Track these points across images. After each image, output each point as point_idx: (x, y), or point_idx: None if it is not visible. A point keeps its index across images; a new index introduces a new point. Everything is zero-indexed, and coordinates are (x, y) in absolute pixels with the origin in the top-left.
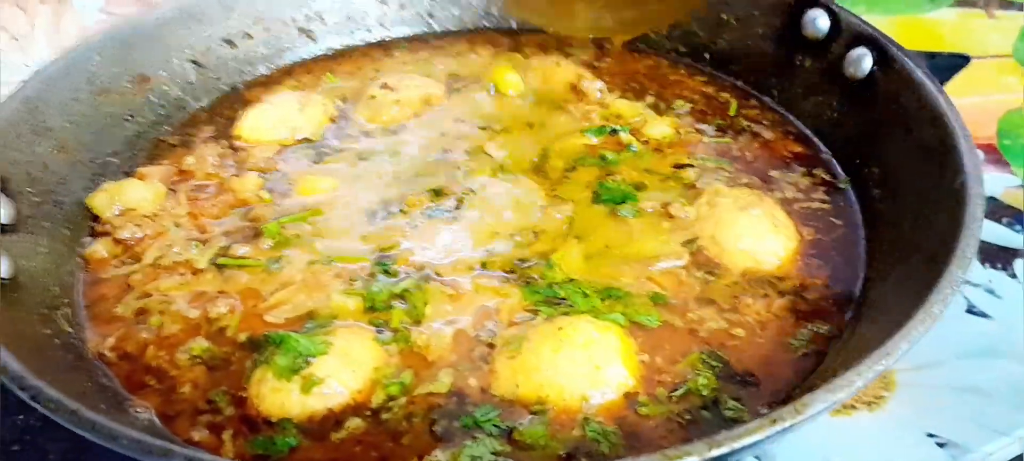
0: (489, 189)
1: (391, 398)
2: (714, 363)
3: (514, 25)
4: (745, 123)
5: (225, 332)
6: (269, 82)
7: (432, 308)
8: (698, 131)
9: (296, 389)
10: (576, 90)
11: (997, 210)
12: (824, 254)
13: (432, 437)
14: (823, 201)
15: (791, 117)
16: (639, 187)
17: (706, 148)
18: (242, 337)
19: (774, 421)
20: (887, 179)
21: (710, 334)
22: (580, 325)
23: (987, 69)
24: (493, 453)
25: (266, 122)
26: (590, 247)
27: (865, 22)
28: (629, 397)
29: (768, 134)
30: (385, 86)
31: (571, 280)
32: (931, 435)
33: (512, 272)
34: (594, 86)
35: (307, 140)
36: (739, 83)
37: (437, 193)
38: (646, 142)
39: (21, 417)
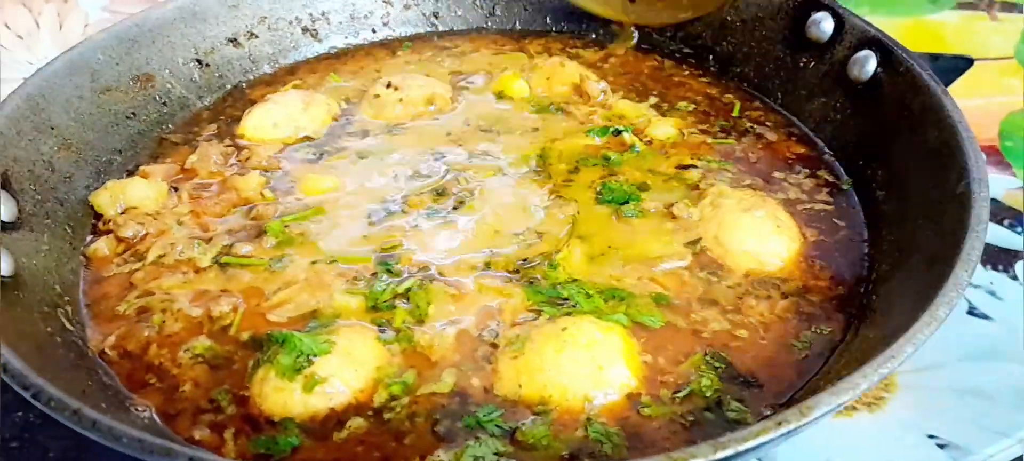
0: (492, 189)
1: (393, 398)
2: (717, 364)
3: (518, 25)
4: (748, 124)
5: (227, 331)
6: (273, 81)
7: (435, 308)
8: (702, 132)
9: (298, 388)
10: (580, 91)
11: (998, 212)
12: (827, 256)
13: (434, 437)
14: (826, 203)
15: (795, 119)
16: (642, 188)
17: (709, 149)
18: (244, 336)
19: (779, 423)
20: (891, 181)
21: (713, 335)
22: (583, 325)
23: (989, 71)
24: (496, 453)
25: (270, 121)
26: (593, 248)
27: (870, 24)
28: (632, 398)
29: (771, 135)
30: (389, 85)
31: (574, 280)
32: (932, 437)
33: (515, 272)
34: (598, 87)
35: (310, 139)
36: (743, 85)
37: (440, 193)
38: (649, 143)
39: (20, 414)
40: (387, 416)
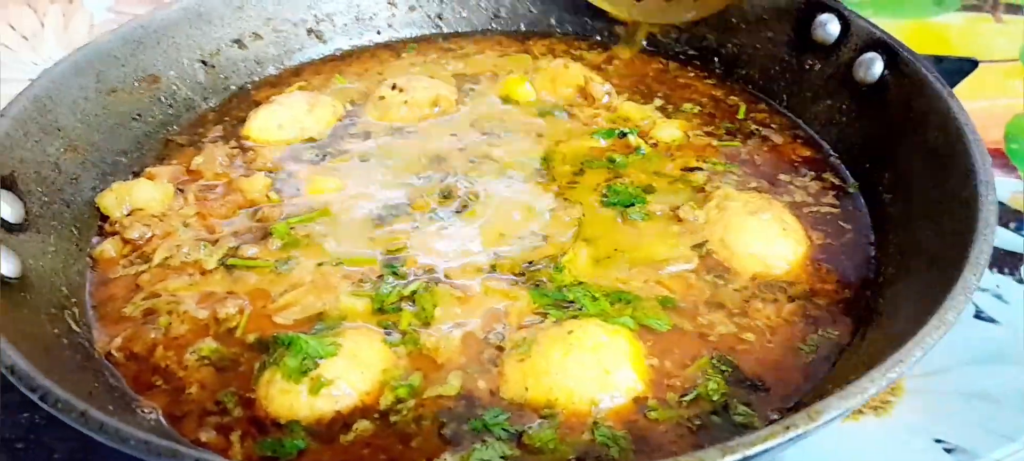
0: (497, 192)
1: (400, 400)
2: (724, 368)
3: (522, 27)
4: (754, 127)
5: (234, 333)
6: (278, 82)
7: (441, 310)
8: (707, 134)
9: (305, 391)
10: (584, 93)
11: (1004, 215)
12: (834, 259)
13: (441, 440)
14: (832, 206)
15: (800, 121)
16: (648, 190)
17: (715, 151)
18: (251, 338)
19: (788, 428)
20: (897, 184)
21: (720, 338)
22: (589, 328)
23: (994, 73)
24: (502, 457)
25: (275, 122)
26: (599, 250)
27: (876, 26)
28: (639, 401)
29: (777, 138)
30: (394, 87)
31: (580, 283)
32: (938, 441)
33: (521, 275)
34: (602, 89)
35: (315, 141)
36: (748, 87)
37: (445, 195)
38: (655, 145)
39: (26, 415)
40: (393, 419)
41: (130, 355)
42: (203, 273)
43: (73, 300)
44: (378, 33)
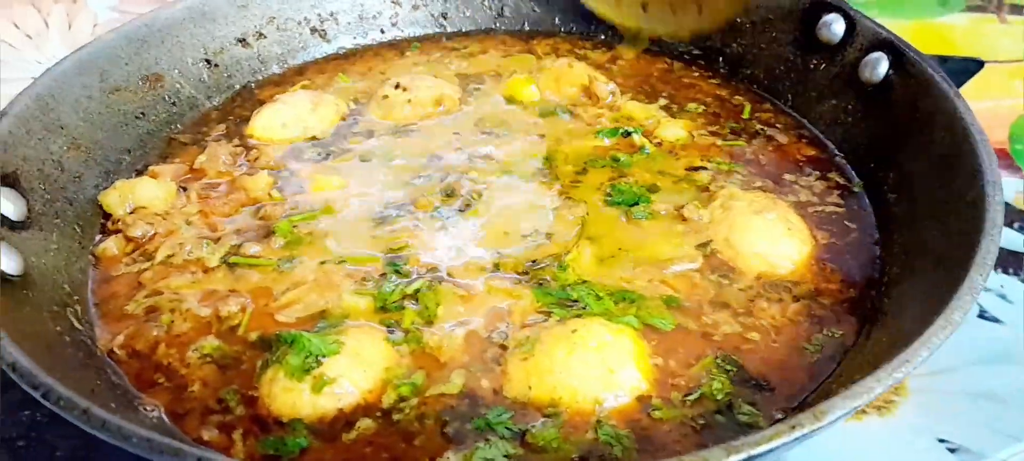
0: (500, 191)
1: (402, 399)
2: (728, 367)
3: (526, 26)
4: (759, 126)
5: (236, 331)
6: (281, 81)
7: (444, 309)
8: (711, 134)
9: (307, 389)
10: (588, 92)
11: (1008, 215)
12: (839, 258)
13: (444, 439)
14: (837, 205)
15: (805, 121)
16: (652, 189)
17: (719, 151)
18: (253, 336)
19: (793, 427)
20: (903, 184)
21: (724, 338)
22: (593, 327)
23: (998, 74)
24: (505, 456)
25: (278, 121)
26: (603, 249)
27: (881, 26)
28: (642, 401)
29: (782, 137)
30: (398, 86)
31: (584, 282)
32: (942, 440)
33: (524, 274)
34: (606, 88)
35: (319, 139)
36: (753, 86)
37: (449, 194)
38: (659, 144)
39: (28, 413)
40: (396, 417)
41: (132, 353)
42: (205, 271)
43: (75, 298)
44: (382, 32)
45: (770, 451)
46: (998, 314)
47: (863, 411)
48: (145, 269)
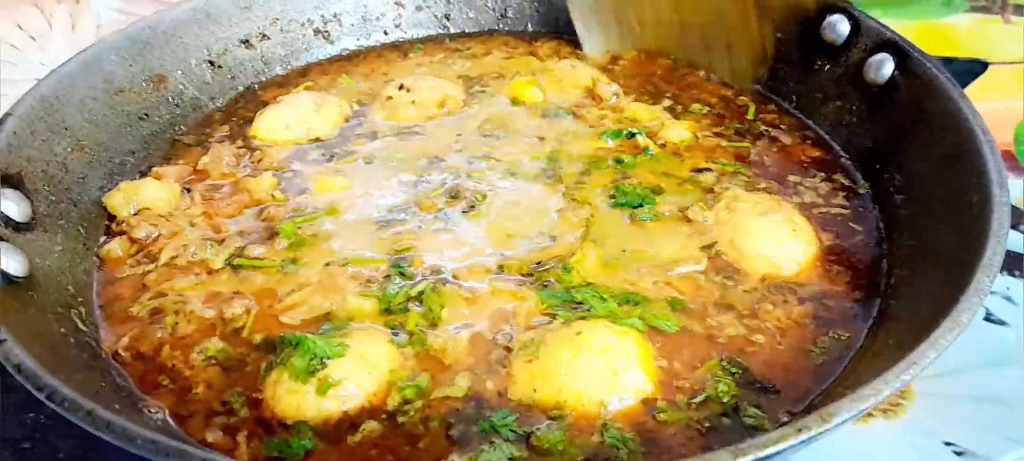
0: (504, 192)
1: (407, 401)
2: (734, 370)
3: (529, 27)
4: (763, 127)
5: (240, 333)
6: (285, 83)
7: (448, 311)
8: (716, 135)
9: (312, 391)
10: (591, 93)
11: (1013, 217)
12: (844, 260)
13: (449, 441)
14: (842, 207)
15: (810, 122)
16: (656, 191)
17: (724, 152)
18: (257, 338)
19: (800, 430)
20: (908, 185)
21: (729, 340)
22: (598, 330)
23: (1003, 75)
24: (510, 458)
25: (282, 122)
26: (607, 251)
27: (886, 27)
28: (648, 403)
29: (786, 138)
30: (402, 87)
31: (588, 284)
32: (949, 444)
33: (529, 275)
34: (609, 89)
35: (323, 141)
36: (757, 87)
37: (453, 196)
38: (663, 145)
39: (31, 415)
40: (401, 420)
41: (137, 354)
42: (210, 273)
43: (80, 299)
44: (385, 33)
45: (777, 454)
46: (1004, 317)
47: (869, 414)
48: (149, 271)
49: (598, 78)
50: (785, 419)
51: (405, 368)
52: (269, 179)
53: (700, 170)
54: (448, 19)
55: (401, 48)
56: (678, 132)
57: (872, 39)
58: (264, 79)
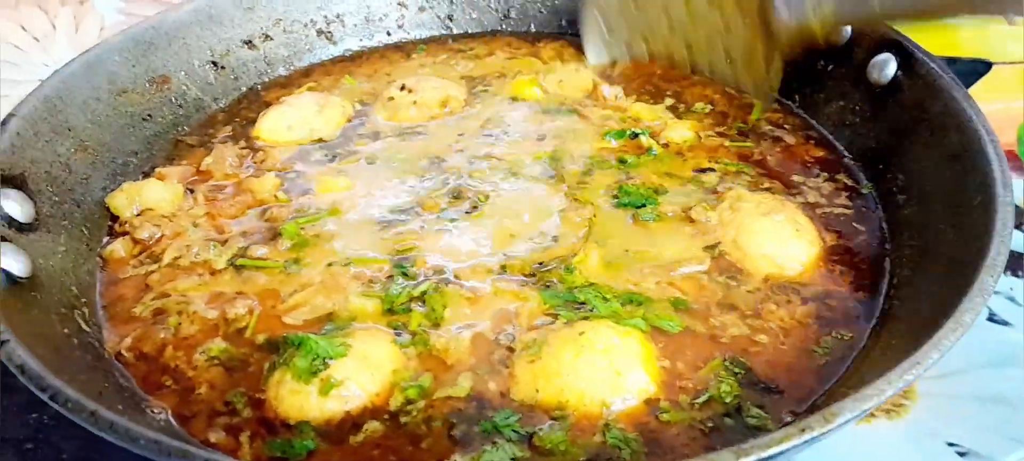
0: (507, 193)
1: (410, 401)
2: (737, 370)
3: (533, 28)
4: (767, 127)
5: (243, 333)
6: (288, 83)
7: (451, 311)
8: (719, 135)
9: (315, 391)
10: (594, 94)
11: (1016, 216)
12: (847, 260)
13: (451, 441)
14: (846, 207)
15: (813, 122)
16: (659, 191)
17: (727, 152)
18: (260, 338)
19: (803, 430)
20: (911, 185)
21: (732, 340)
22: (601, 330)
23: (1006, 75)
24: (512, 459)
25: (284, 123)
26: (610, 251)
27: (889, 27)
28: (650, 403)
29: (790, 138)
30: (404, 88)
31: (590, 284)
32: (952, 444)
33: (531, 276)
34: (612, 90)
35: (325, 141)
36: None
37: (455, 196)
38: (666, 145)
39: (34, 416)
40: (403, 420)
41: (140, 355)
42: (213, 273)
43: (83, 300)
44: (388, 34)
45: (780, 454)
46: (1007, 317)
47: (872, 414)
48: (152, 271)
49: (599, 80)
50: (788, 419)
51: (407, 368)
52: (272, 180)
53: (703, 170)
54: (451, 20)
55: (404, 49)
56: (681, 132)
57: (876, 39)
58: (267, 80)
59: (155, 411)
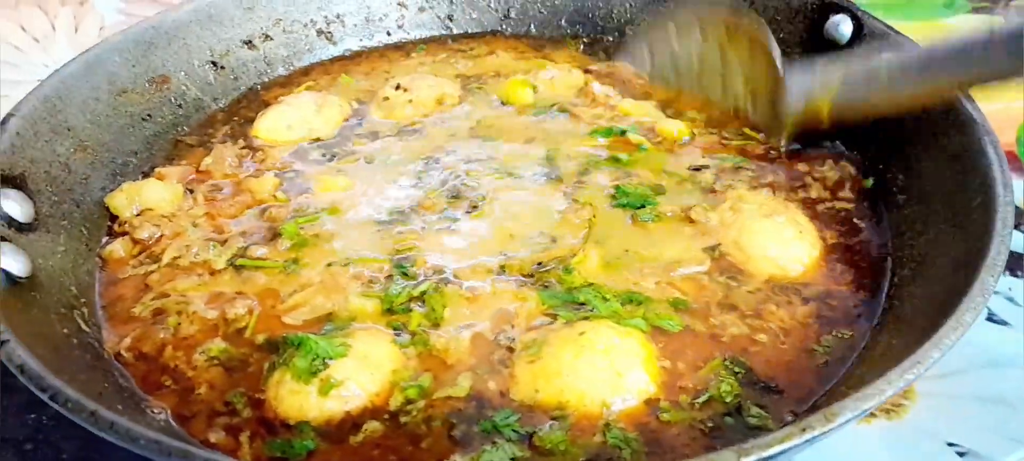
0: (505, 192)
1: (409, 401)
2: (737, 369)
3: (533, 29)
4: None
5: (243, 333)
6: (287, 83)
7: (450, 311)
8: (713, 132)
9: (314, 391)
10: (585, 92)
11: (1016, 216)
12: (848, 259)
13: (451, 441)
14: (846, 207)
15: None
16: (657, 191)
17: (725, 148)
18: (260, 338)
19: (804, 429)
20: (912, 185)
21: (732, 340)
22: (601, 330)
23: None
24: (512, 458)
25: (283, 123)
26: (609, 251)
27: (890, 27)
28: (651, 403)
29: None
30: (399, 87)
31: (590, 284)
32: (951, 444)
33: (530, 276)
34: (603, 88)
35: (324, 141)
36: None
37: (454, 195)
38: (659, 143)
39: (33, 416)
40: (403, 420)
41: (139, 355)
42: (212, 273)
43: (82, 300)
44: (388, 34)
45: (780, 453)
46: (1006, 317)
47: (872, 414)
48: (152, 271)
49: (593, 79)
50: (789, 419)
51: (407, 368)
52: (271, 179)
53: (698, 168)
54: (451, 20)
55: (403, 49)
56: (674, 125)
57: (876, 39)
58: (267, 79)
59: (155, 411)
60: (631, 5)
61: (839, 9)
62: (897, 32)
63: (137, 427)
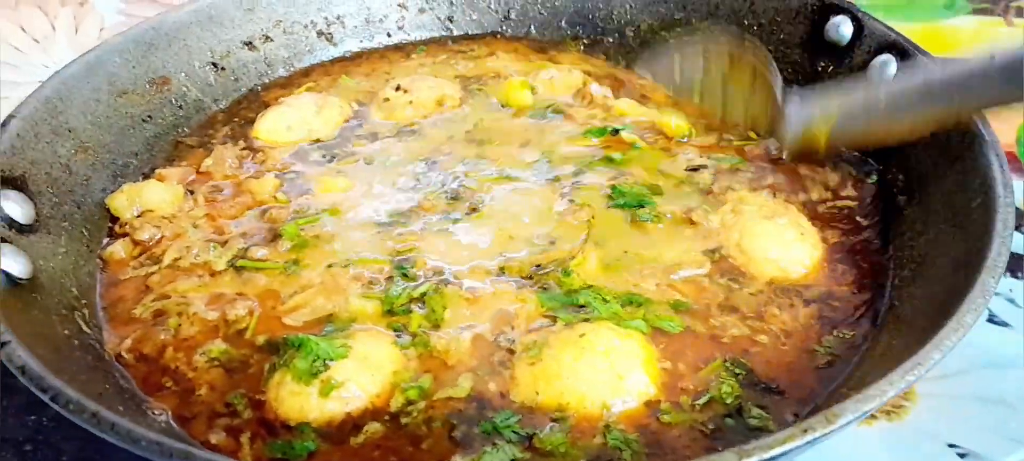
0: (504, 194)
1: (410, 402)
2: (737, 370)
3: (532, 30)
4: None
5: (243, 334)
6: (287, 84)
7: (451, 312)
8: (712, 133)
9: (315, 392)
10: (582, 93)
11: (1016, 217)
12: (849, 261)
13: (451, 442)
14: (847, 208)
15: None
16: (654, 191)
17: (721, 148)
18: (260, 340)
19: (805, 430)
20: (913, 186)
21: (733, 341)
22: (601, 332)
23: None
24: (512, 460)
25: (284, 124)
26: (608, 253)
27: (890, 28)
28: (651, 405)
29: None
30: (399, 88)
31: (590, 286)
32: (952, 446)
33: (529, 278)
34: (601, 89)
35: (324, 142)
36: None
37: (454, 197)
38: (654, 142)
39: (33, 417)
40: (404, 421)
41: (140, 356)
42: (213, 274)
43: (83, 301)
44: (388, 35)
45: (781, 455)
46: (1007, 318)
47: (873, 416)
48: (152, 272)
49: (590, 79)
50: (790, 420)
51: (408, 369)
52: (272, 180)
53: (696, 168)
54: (451, 21)
55: (404, 50)
56: (673, 119)
57: (875, 40)
58: (267, 81)
59: (155, 412)
60: (631, 6)
61: (839, 10)
62: (897, 33)
63: (138, 428)
